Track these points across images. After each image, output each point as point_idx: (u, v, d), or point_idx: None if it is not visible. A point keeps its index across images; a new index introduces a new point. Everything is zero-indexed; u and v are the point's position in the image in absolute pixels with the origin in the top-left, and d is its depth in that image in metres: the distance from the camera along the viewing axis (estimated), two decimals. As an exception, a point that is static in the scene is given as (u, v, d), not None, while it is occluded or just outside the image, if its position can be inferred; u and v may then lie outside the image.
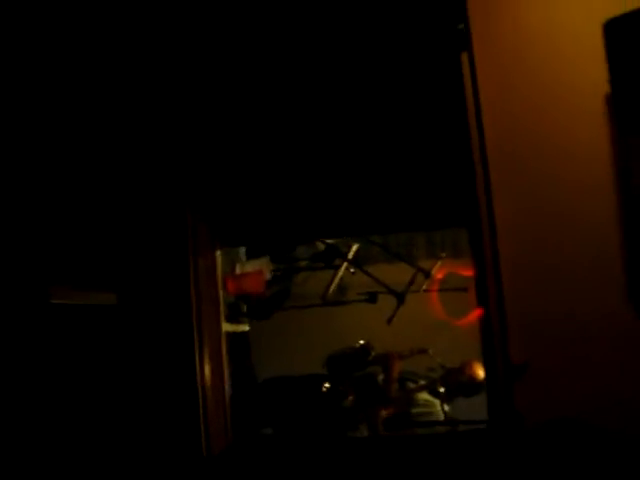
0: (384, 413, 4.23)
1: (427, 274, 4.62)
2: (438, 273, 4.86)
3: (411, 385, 4.57)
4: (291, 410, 4.38)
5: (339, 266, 4.77)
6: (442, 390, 4.44)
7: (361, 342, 4.59)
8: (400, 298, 4.43)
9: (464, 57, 2.75)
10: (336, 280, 4.78)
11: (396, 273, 4.80)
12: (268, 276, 4.50)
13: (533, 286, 2.68)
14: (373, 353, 4.55)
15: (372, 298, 4.84)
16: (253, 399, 4.36)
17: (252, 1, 2.88)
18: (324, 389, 4.34)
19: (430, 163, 2.90)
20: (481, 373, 4.37)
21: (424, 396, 4.52)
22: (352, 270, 4.88)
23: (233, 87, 2.96)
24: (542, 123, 2.76)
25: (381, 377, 4.49)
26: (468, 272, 4.75)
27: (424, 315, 4.81)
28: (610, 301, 2.59)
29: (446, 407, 4.42)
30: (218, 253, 3.05)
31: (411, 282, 4.58)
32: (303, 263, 5.04)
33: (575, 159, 2.74)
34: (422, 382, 4.55)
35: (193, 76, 2.93)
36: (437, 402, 4.47)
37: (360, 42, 2.90)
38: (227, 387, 2.99)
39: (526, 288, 2.68)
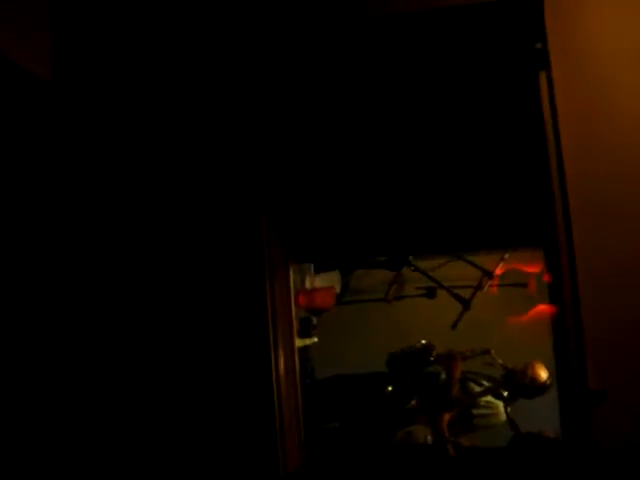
0: (447, 417, 4.23)
1: (490, 275, 4.57)
2: (498, 270, 4.81)
3: (473, 386, 4.55)
4: (354, 408, 4.41)
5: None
6: (505, 393, 4.42)
7: (423, 342, 4.59)
8: (466, 305, 4.40)
9: (542, 76, 2.71)
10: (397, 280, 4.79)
11: (458, 268, 4.76)
12: (338, 290, 4.52)
13: (611, 311, 2.64)
14: (434, 353, 4.54)
15: (431, 293, 4.84)
16: (315, 397, 4.40)
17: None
18: (387, 392, 4.35)
19: (507, 183, 2.86)
20: (543, 375, 4.34)
21: (486, 397, 4.51)
22: (412, 267, 4.87)
23: (308, 108, 2.97)
24: (622, 142, 2.70)
25: (443, 377, 4.47)
26: (528, 268, 4.75)
27: (485, 313, 4.78)
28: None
29: (508, 409, 4.41)
30: (291, 271, 3.07)
31: (477, 287, 4.52)
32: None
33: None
34: (485, 383, 4.53)
35: (269, 100, 2.95)
36: (500, 404, 4.46)
37: (438, 63, 2.87)
38: (300, 404, 3.03)
39: (604, 312, 2.65)
